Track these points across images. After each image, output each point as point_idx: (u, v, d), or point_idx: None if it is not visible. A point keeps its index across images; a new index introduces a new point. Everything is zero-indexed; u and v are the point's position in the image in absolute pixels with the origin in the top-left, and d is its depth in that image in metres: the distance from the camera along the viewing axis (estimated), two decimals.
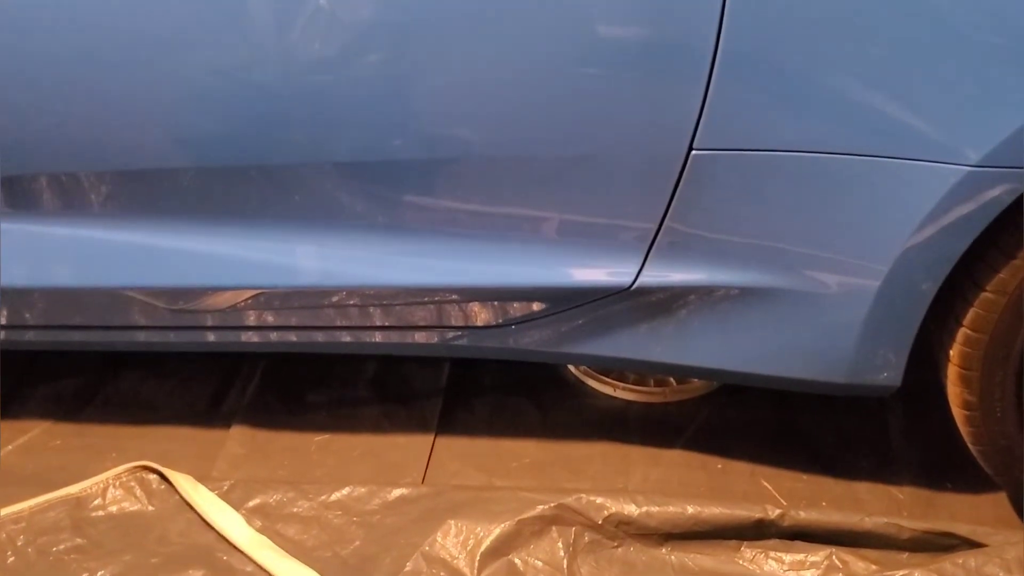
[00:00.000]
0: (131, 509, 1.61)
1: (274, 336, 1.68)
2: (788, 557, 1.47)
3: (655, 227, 1.37)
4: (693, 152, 1.28)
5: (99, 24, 1.31)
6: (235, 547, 1.51)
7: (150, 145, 1.41)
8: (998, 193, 1.21)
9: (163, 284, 1.56)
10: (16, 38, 1.33)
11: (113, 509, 1.61)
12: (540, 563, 1.46)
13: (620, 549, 1.50)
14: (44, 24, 1.32)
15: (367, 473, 1.76)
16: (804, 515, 1.49)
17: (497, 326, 1.60)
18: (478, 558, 1.45)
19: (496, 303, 1.56)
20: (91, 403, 1.98)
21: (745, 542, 1.50)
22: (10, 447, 1.85)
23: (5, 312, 1.66)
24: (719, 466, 1.76)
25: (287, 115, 1.35)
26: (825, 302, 1.38)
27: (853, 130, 1.24)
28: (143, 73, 1.34)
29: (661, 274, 1.42)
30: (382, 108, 1.32)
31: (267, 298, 1.57)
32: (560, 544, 1.48)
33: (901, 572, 1.39)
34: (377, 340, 1.67)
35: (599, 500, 1.51)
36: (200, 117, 1.37)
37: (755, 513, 1.49)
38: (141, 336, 1.71)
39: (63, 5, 1.30)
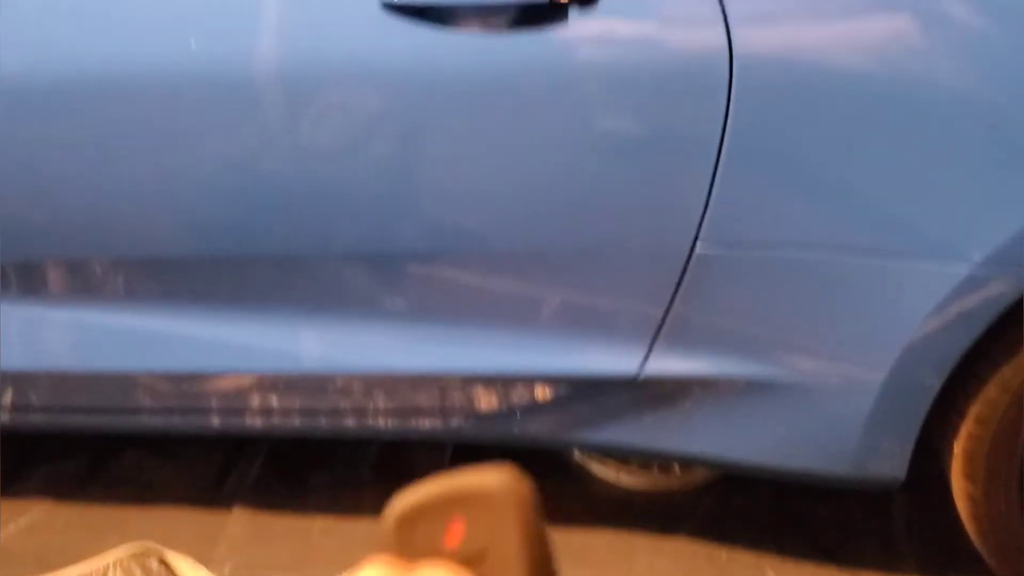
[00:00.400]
0: None
1: (278, 420, 1.68)
2: None
3: (660, 319, 1.38)
4: (698, 246, 1.30)
5: (109, 112, 1.34)
6: None
7: (157, 233, 1.43)
8: (1000, 291, 1.22)
9: (168, 369, 1.56)
10: (26, 125, 1.35)
11: None
12: None
13: None
14: (54, 112, 1.34)
15: None
16: None
17: (501, 413, 1.60)
18: None
19: (500, 390, 1.57)
20: (93, 483, 1.97)
21: None
22: (11, 527, 1.84)
23: (10, 394, 1.66)
24: (724, 556, 1.74)
25: (295, 206, 1.37)
26: (829, 395, 1.38)
27: (857, 228, 1.25)
28: (152, 162, 1.36)
29: (666, 365, 1.43)
30: (390, 201, 1.34)
31: (271, 383, 1.58)
32: None
33: None
34: (381, 425, 1.67)
35: None
36: (208, 206, 1.39)
37: None
38: (145, 419, 1.70)
39: (74, 93, 1.33)
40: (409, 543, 0.34)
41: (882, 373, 1.32)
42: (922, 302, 1.26)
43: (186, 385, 1.60)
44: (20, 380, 1.63)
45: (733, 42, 1.21)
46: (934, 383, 1.32)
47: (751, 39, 1.22)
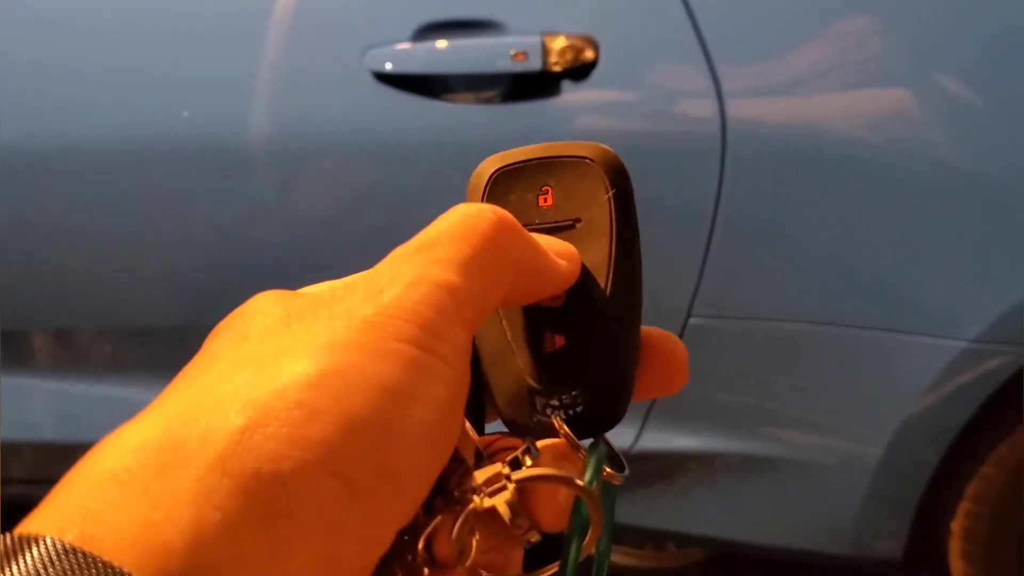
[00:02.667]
0: None
1: None
2: None
3: None
4: (691, 319, 1.29)
5: (98, 182, 1.33)
6: None
7: (146, 303, 1.42)
8: (995, 367, 1.22)
9: None
10: (15, 194, 1.35)
11: None
12: None
13: None
14: (43, 181, 1.34)
15: None
16: None
17: None
18: None
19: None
20: None
21: None
22: None
23: None
24: None
25: (287, 274, 1.36)
26: (826, 472, 1.37)
27: (852, 302, 1.25)
28: (141, 231, 1.35)
29: (660, 439, 1.41)
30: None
31: None
32: None
33: None
34: None
35: None
36: (197, 275, 1.38)
37: None
38: None
39: (64, 163, 1.32)
40: (504, 201, 0.34)
41: (879, 449, 1.31)
42: (918, 377, 1.25)
43: None
44: (3, 451, 1.60)
45: (726, 115, 1.22)
46: (931, 460, 1.31)
47: (744, 112, 1.23)
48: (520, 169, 0.35)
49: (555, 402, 0.32)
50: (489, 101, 1.25)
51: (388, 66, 1.25)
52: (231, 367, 0.25)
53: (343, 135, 1.29)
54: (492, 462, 0.30)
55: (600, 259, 0.33)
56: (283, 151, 1.30)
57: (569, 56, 1.23)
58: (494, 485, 0.29)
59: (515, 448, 0.30)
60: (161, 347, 1.45)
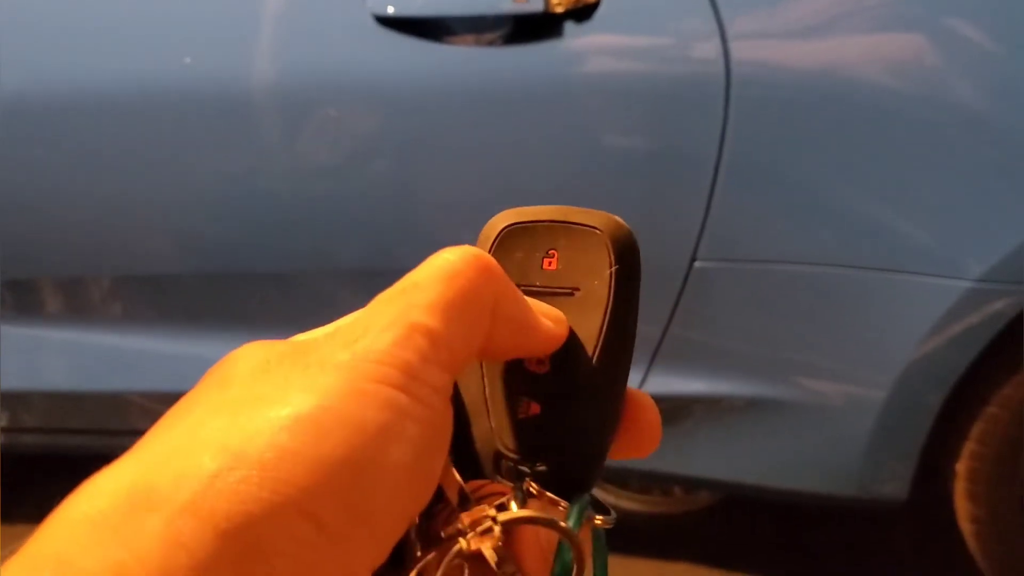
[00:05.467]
0: None
1: None
2: None
3: (659, 335, 1.37)
4: (696, 262, 1.29)
5: (103, 130, 1.33)
6: None
7: (153, 251, 1.42)
8: (1001, 307, 1.21)
9: (164, 389, 1.55)
10: (22, 144, 1.35)
11: None
12: None
13: None
14: (49, 130, 1.34)
15: None
16: None
17: None
18: None
19: None
20: None
21: None
22: (7, 551, 1.82)
23: (5, 415, 1.65)
24: None
25: (293, 222, 1.36)
26: (831, 414, 1.37)
27: (855, 244, 1.25)
28: (147, 179, 1.36)
29: (666, 383, 1.41)
30: (388, 216, 1.33)
31: None
32: None
33: None
34: None
35: None
36: (202, 223, 1.39)
37: None
38: None
39: (68, 111, 1.33)
40: (510, 258, 0.34)
41: (884, 390, 1.31)
42: (923, 318, 1.25)
43: None
44: (14, 401, 1.62)
45: (730, 57, 1.21)
46: (935, 401, 1.31)
47: (748, 54, 1.22)
48: (530, 229, 0.35)
49: (522, 468, 0.33)
50: (491, 43, 1.25)
51: (390, 9, 1.25)
52: (208, 413, 0.26)
53: (346, 80, 1.28)
54: (479, 505, 0.30)
55: (591, 333, 0.33)
56: (287, 97, 1.30)
57: None
58: (480, 527, 0.29)
59: (503, 493, 0.31)
60: (168, 296, 1.46)
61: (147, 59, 1.31)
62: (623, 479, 1.91)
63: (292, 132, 1.31)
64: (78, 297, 1.49)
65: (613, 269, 0.34)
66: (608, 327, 0.33)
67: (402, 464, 0.25)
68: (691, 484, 1.77)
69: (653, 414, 0.34)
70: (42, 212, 1.41)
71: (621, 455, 0.34)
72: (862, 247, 1.25)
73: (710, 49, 1.21)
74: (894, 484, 1.41)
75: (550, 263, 0.34)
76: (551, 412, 0.33)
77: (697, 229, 1.27)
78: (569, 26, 1.23)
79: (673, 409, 1.45)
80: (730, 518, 1.88)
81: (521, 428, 0.33)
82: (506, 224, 0.35)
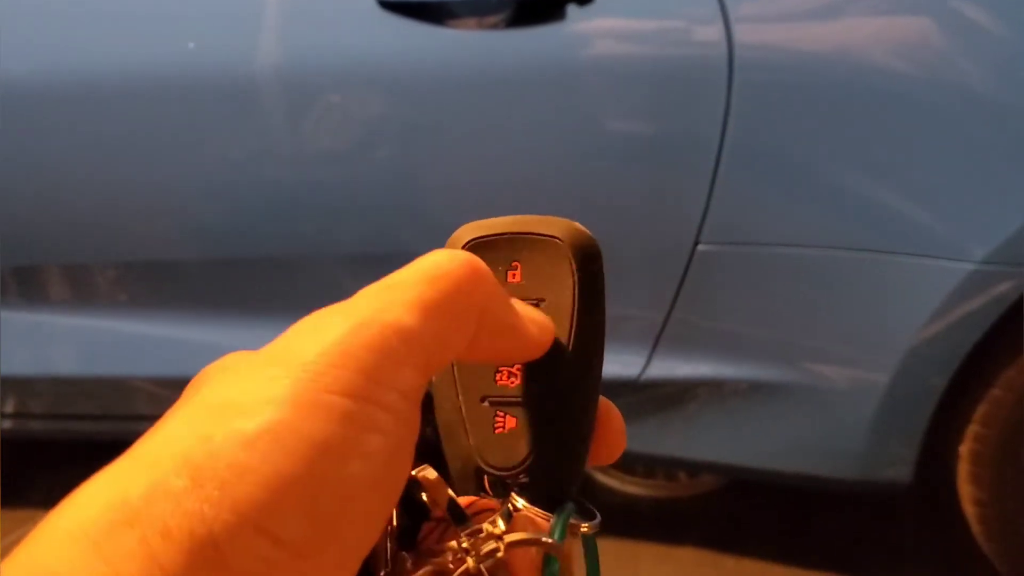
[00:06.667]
0: None
1: None
2: None
3: (662, 319, 1.37)
4: (699, 246, 1.29)
5: (107, 116, 1.34)
6: None
7: (158, 237, 1.43)
8: (1004, 289, 1.21)
9: (170, 374, 1.55)
10: (28, 129, 1.35)
11: None
12: None
13: None
14: (55, 115, 1.35)
15: None
16: None
17: None
18: None
19: None
20: None
21: None
22: (15, 536, 1.83)
23: (11, 401, 1.66)
24: (731, 564, 1.73)
25: (297, 207, 1.36)
26: (834, 397, 1.37)
27: (858, 226, 1.25)
28: (151, 165, 1.36)
29: (669, 366, 1.42)
30: (390, 201, 1.34)
31: None
32: None
33: None
34: None
35: None
36: (207, 209, 1.39)
37: None
38: (147, 426, 1.69)
39: (74, 97, 1.33)
40: None
41: (887, 374, 1.31)
42: (926, 300, 1.25)
43: None
44: (21, 387, 1.62)
45: (733, 40, 1.21)
46: (939, 384, 1.31)
47: (751, 37, 1.22)
48: (492, 242, 0.35)
49: (505, 480, 0.33)
50: (494, 27, 1.25)
51: None
52: (180, 424, 0.26)
53: (349, 64, 1.28)
54: (476, 522, 0.30)
55: (559, 342, 0.33)
56: (288, 82, 1.30)
57: None
58: (485, 547, 0.29)
59: (493, 509, 0.31)
60: (173, 281, 1.46)
61: (151, 45, 1.31)
62: (628, 464, 1.92)
63: (295, 117, 1.31)
64: (84, 283, 1.50)
65: (575, 278, 0.34)
66: (576, 336, 0.33)
67: (364, 478, 0.25)
68: (695, 468, 1.78)
69: (619, 420, 0.35)
70: (47, 198, 1.41)
71: (592, 462, 0.34)
72: (865, 230, 1.25)
73: (713, 32, 1.21)
74: (898, 467, 1.41)
75: (514, 275, 0.34)
76: (528, 425, 0.33)
77: (700, 212, 1.27)
78: (572, 9, 1.23)
79: (677, 393, 1.46)
80: (734, 502, 1.88)
81: (500, 443, 0.33)
82: (469, 238, 0.35)
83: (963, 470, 1.39)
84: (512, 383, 0.33)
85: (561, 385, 0.33)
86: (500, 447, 0.33)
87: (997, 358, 1.29)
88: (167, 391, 1.60)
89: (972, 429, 1.34)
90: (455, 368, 0.34)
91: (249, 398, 0.25)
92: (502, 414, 0.33)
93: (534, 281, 0.34)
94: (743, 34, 1.21)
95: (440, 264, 0.29)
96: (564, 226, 0.35)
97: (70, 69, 1.33)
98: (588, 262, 0.34)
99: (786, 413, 1.42)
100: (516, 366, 0.33)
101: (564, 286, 0.34)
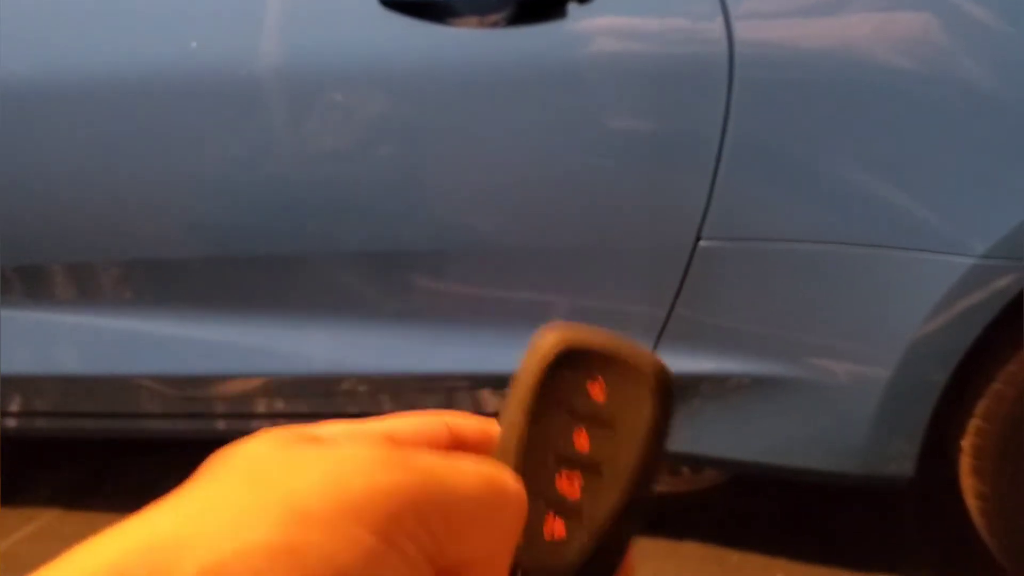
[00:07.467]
0: None
1: (284, 423, 1.68)
2: None
3: (664, 315, 1.37)
4: (700, 242, 1.29)
5: (110, 115, 1.34)
6: None
7: (162, 235, 1.43)
8: (1005, 284, 1.22)
9: (173, 372, 1.56)
10: (31, 128, 1.36)
11: None
12: None
13: None
14: (58, 114, 1.35)
15: None
16: None
17: None
18: None
19: (506, 390, 1.56)
20: (99, 490, 1.97)
21: None
22: (19, 534, 1.84)
23: (16, 399, 1.67)
24: (735, 559, 1.73)
25: (299, 205, 1.37)
26: (836, 392, 1.37)
27: (859, 221, 1.25)
28: (155, 163, 1.37)
29: (671, 362, 1.41)
30: (393, 200, 1.34)
31: (277, 385, 1.57)
32: None
33: None
34: None
35: None
36: (210, 207, 1.39)
37: None
38: (151, 424, 1.70)
39: (77, 95, 1.33)
40: (560, 375, 0.34)
41: (889, 369, 1.31)
42: (928, 295, 1.25)
43: (191, 389, 1.60)
44: (25, 385, 1.63)
45: (733, 37, 1.21)
46: (940, 379, 1.31)
47: (752, 34, 1.22)
48: (585, 354, 0.35)
49: None
50: (495, 25, 1.25)
51: None
52: (203, 506, 0.26)
53: (350, 63, 1.29)
54: None
55: (620, 471, 0.33)
56: (291, 81, 1.30)
57: None
58: None
59: None
60: (177, 280, 1.47)
61: (154, 43, 1.32)
62: None
63: (297, 116, 1.31)
64: (87, 282, 1.50)
65: (655, 415, 0.34)
66: (638, 473, 0.33)
67: None
68: (698, 463, 1.78)
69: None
70: (50, 197, 1.41)
71: None
72: (866, 225, 1.25)
73: (714, 29, 1.22)
74: (900, 461, 1.41)
75: (597, 391, 0.34)
76: (575, 539, 0.33)
77: (701, 208, 1.27)
78: (573, 7, 1.23)
79: (680, 388, 1.45)
80: (737, 497, 1.88)
81: (546, 549, 0.33)
82: (566, 346, 0.35)
83: (965, 464, 1.39)
84: (572, 495, 0.33)
85: (614, 511, 0.33)
86: (545, 555, 0.33)
87: (998, 353, 1.29)
88: (171, 389, 1.60)
89: (974, 423, 1.34)
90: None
91: (278, 503, 0.25)
92: (552, 515, 0.33)
93: (613, 404, 0.34)
94: (744, 31, 1.21)
95: (502, 484, 0.29)
96: (652, 360, 0.35)
97: (73, 68, 1.33)
98: (668, 401, 0.34)
99: (788, 408, 1.42)
100: (577, 471, 0.33)
101: (640, 419, 0.34)
